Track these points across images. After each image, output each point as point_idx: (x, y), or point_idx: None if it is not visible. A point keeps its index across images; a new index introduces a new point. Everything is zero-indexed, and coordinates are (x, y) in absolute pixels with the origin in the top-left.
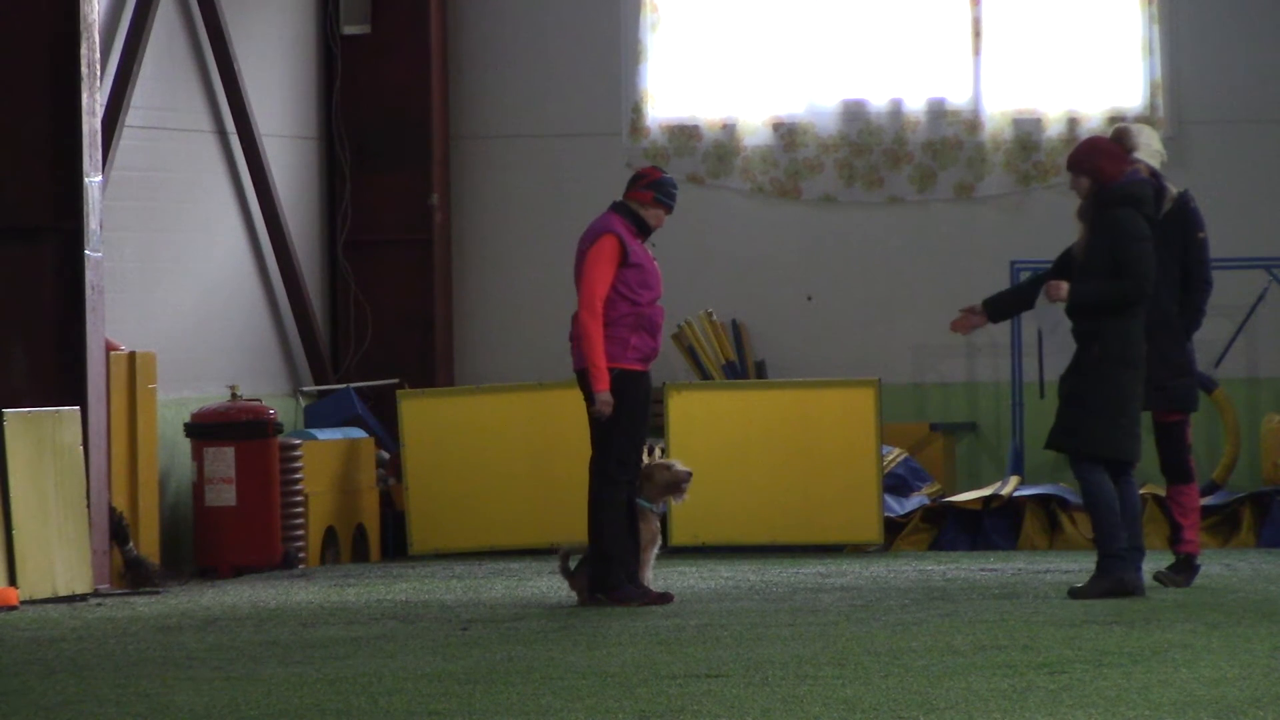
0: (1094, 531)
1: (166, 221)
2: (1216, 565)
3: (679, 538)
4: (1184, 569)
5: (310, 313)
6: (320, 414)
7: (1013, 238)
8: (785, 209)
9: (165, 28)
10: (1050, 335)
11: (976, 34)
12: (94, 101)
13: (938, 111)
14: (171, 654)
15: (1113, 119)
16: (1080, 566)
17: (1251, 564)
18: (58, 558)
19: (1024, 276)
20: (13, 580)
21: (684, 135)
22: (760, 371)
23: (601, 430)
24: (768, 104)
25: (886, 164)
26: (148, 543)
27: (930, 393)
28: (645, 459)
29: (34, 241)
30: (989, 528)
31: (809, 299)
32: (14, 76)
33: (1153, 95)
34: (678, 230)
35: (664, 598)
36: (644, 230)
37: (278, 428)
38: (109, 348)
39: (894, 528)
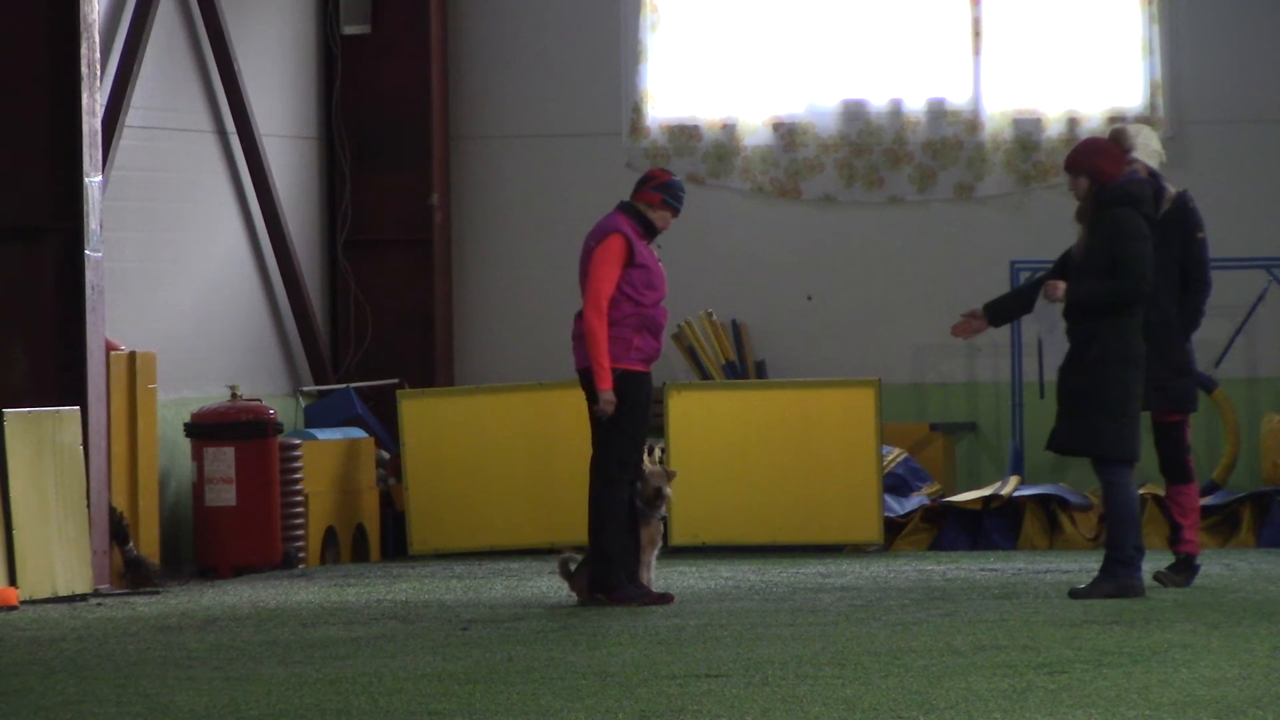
0: (1108, 533)
1: (166, 221)
2: (1216, 565)
3: (679, 538)
4: (1184, 569)
5: (310, 313)
6: (320, 414)
7: (1013, 238)
8: (785, 209)
9: (165, 28)
10: (1048, 336)
11: (976, 34)
12: (94, 101)
13: (938, 111)
14: (171, 654)
15: (1113, 119)
16: (1080, 566)
17: (1251, 564)
18: (58, 558)
19: (1024, 277)
20: (13, 580)
21: (684, 135)
22: (760, 371)
23: (602, 430)
24: (768, 104)
25: (886, 164)
26: (148, 543)
27: (930, 393)
28: (645, 460)
29: (34, 241)
30: (989, 528)
31: (809, 299)
32: (14, 76)
33: (1153, 95)
34: (678, 230)
35: (664, 598)
36: (650, 231)
37: (278, 428)
38: (109, 347)
39: (894, 528)
